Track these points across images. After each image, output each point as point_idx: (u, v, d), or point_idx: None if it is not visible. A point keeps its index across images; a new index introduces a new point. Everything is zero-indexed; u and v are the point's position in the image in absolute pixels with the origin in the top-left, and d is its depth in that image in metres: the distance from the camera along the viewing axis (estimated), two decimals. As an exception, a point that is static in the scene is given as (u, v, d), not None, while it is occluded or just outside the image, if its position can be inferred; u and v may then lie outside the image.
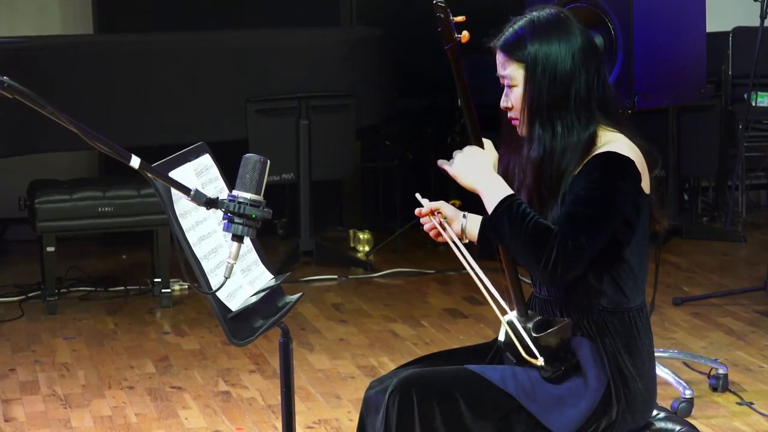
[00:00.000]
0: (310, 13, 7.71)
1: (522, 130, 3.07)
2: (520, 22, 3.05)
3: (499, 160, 3.14)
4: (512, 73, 3.04)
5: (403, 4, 7.57)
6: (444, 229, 3.13)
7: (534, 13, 3.06)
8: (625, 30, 4.55)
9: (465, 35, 2.99)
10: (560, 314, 3.07)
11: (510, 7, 3.36)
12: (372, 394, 3.07)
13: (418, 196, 3.17)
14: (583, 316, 3.06)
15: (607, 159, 2.97)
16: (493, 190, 3.00)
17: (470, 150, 3.08)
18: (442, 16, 2.96)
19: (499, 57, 3.06)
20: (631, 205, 2.98)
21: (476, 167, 3.04)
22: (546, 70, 3.00)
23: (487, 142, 3.10)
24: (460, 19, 2.98)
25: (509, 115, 3.09)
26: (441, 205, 3.16)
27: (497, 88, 3.12)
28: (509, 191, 3.00)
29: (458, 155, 3.07)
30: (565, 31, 3.02)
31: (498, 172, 3.08)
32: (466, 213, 3.17)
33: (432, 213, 3.14)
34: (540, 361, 2.96)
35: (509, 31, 3.06)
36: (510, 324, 3.00)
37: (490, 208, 2.99)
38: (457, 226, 3.15)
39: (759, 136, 7.53)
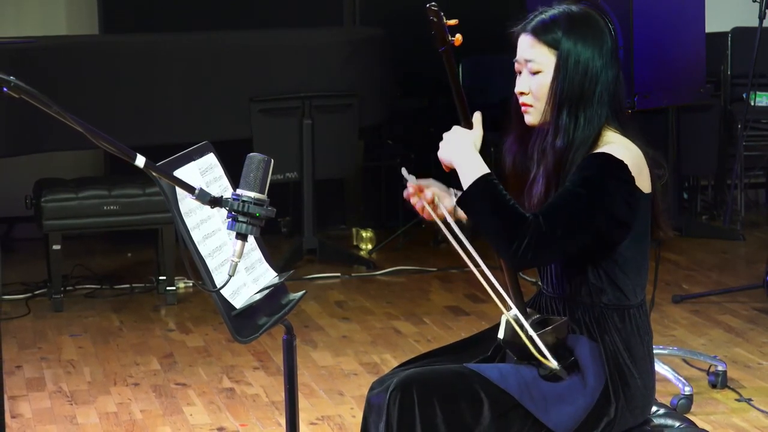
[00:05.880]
0: (313, 14, 7.73)
1: (535, 118, 3.04)
2: (554, 11, 3.02)
3: (507, 151, 3.11)
4: (539, 58, 3.01)
5: (405, 5, 7.57)
6: (436, 206, 3.08)
7: (568, 7, 3.03)
8: (625, 30, 4.56)
9: (458, 38, 2.96)
10: (566, 312, 3.08)
11: (510, 9, 3.39)
12: (374, 395, 3.07)
13: (404, 171, 3.10)
14: (586, 313, 3.06)
15: (601, 160, 2.96)
16: (470, 166, 2.97)
17: (453, 129, 3.05)
18: (435, 19, 2.94)
19: (527, 39, 3.02)
20: (623, 206, 2.96)
21: (456, 144, 3.02)
22: (579, 63, 2.97)
23: (476, 117, 3.05)
24: (453, 22, 2.96)
25: (522, 100, 3.05)
26: (430, 182, 3.12)
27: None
28: (486, 170, 2.96)
29: (444, 135, 3.05)
30: (599, 31, 3.02)
31: (507, 164, 3.06)
32: (455, 190, 3.09)
33: (421, 191, 3.10)
34: (554, 364, 2.93)
35: (541, 16, 3.02)
36: (516, 320, 2.98)
37: (465, 183, 2.96)
38: (449, 202, 3.10)
39: (758, 136, 7.55)
